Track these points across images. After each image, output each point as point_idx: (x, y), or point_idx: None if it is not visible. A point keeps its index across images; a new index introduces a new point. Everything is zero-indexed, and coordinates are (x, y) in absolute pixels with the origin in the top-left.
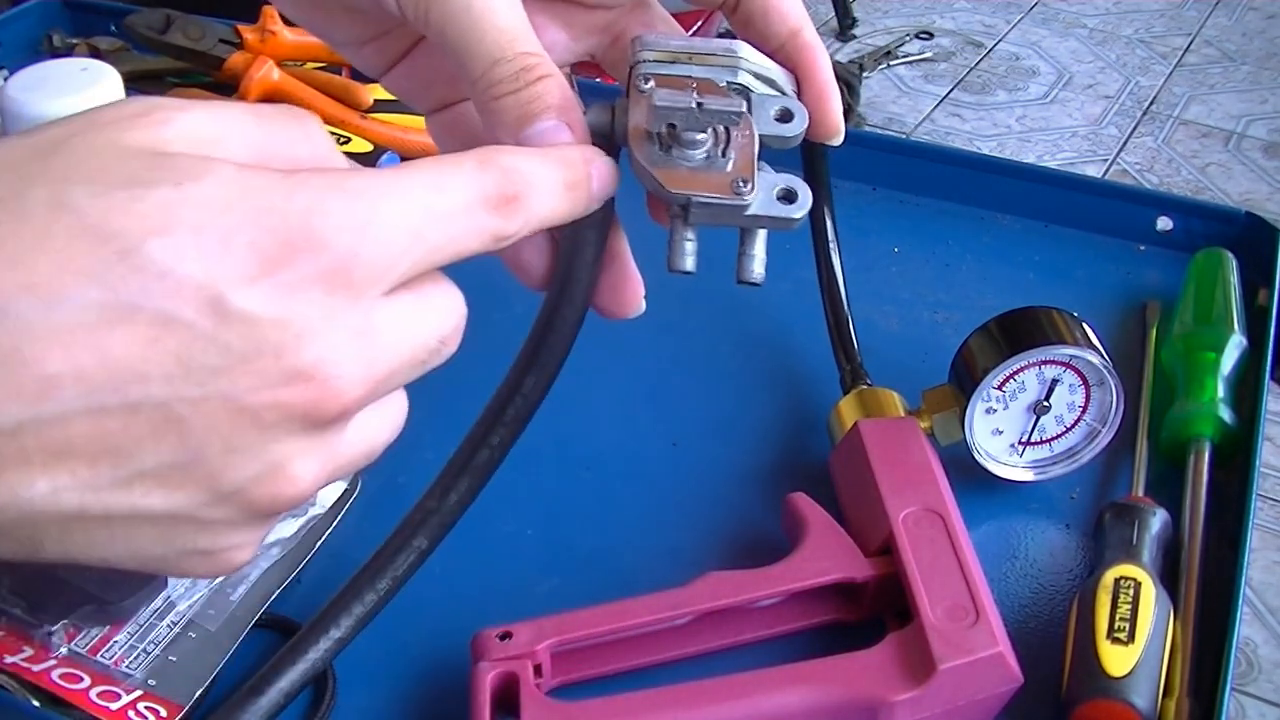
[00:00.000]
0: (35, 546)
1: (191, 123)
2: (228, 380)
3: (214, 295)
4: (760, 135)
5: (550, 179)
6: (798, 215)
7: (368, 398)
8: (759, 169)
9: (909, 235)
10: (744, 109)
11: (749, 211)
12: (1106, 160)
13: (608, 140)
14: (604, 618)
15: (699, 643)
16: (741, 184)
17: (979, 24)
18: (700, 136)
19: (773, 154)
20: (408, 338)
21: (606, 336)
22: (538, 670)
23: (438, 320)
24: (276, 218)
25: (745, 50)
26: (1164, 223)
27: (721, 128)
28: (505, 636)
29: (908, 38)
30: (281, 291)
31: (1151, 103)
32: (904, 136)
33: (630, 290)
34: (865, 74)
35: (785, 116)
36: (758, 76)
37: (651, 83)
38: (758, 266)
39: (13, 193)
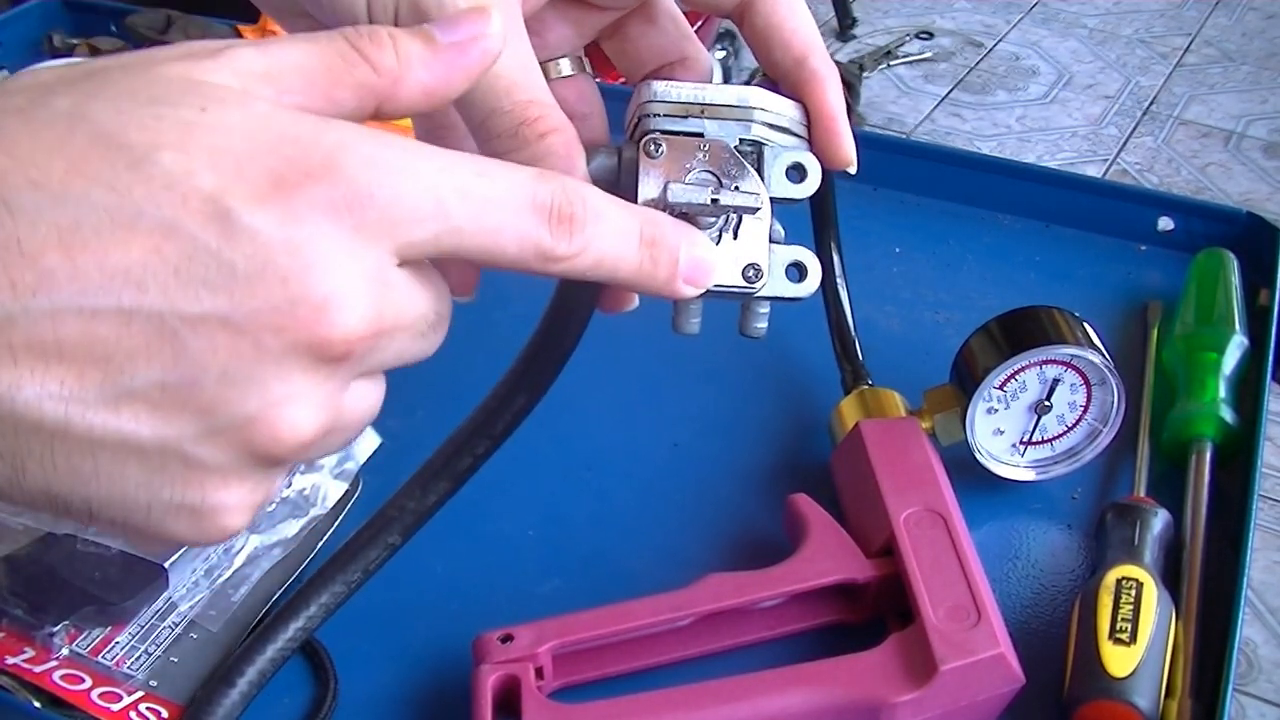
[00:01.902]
0: (18, 466)
1: (243, 58)
2: (228, 300)
3: (221, 209)
4: (772, 197)
5: (623, 222)
6: (805, 294)
7: (370, 344)
8: (770, 246)
9: (910, 235)
10: (760, 204)
11: (759, 295)
12: (1106, 160)
13: (612, 189)
14: (605, 620)
15: (700, 644)
16: (753, 272)
17: (979, 24)
18: (712, 218)
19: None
20: (414, 303)
21: (607, 337)
22: (539, 673)
23: (436, 298)
24: (299, 148)
25: (758, 98)
26: (1165, 223)
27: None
28: (506, 639)
29: (908, 38)
30: (292, 215)
31: (1151, 103)
32: (904, 136)
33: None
34: (865, 74)
35: (798, 174)
36: (772, 126)
37: (664, 149)
38: (761, 323)
39: (37, 103)
